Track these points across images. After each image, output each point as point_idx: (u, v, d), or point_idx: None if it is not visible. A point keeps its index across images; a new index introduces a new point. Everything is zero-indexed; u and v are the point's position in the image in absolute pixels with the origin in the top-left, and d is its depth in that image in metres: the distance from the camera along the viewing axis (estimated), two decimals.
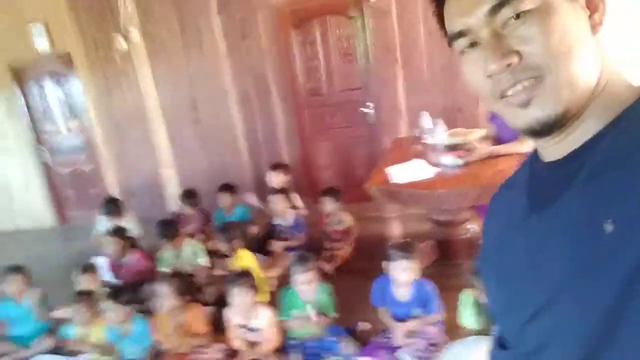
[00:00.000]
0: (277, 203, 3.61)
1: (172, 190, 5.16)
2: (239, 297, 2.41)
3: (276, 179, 4.08)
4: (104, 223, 4.07)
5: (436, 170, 2.88)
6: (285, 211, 3.65)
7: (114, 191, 5.23)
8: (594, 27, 0.57)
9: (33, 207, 5.75)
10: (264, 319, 2.47)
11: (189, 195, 4.23)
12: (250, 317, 2.48)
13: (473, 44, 0.58)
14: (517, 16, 0.54)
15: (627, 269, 0.47)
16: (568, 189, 0.56)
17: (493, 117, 3.18)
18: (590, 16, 0.56)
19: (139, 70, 4.89)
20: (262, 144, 4.80)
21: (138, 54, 4.82)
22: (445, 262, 3.04)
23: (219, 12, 4.53)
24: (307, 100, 4.63)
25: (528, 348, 0.61)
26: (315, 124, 4.68)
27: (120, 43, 4.63)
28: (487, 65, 0.56)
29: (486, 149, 2.87)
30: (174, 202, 5.13)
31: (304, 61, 4.52)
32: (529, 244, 0.61)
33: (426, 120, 3.57)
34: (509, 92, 0.56)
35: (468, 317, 2.17)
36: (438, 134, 3.34)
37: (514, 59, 0.54)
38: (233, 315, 2.51)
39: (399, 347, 2.32)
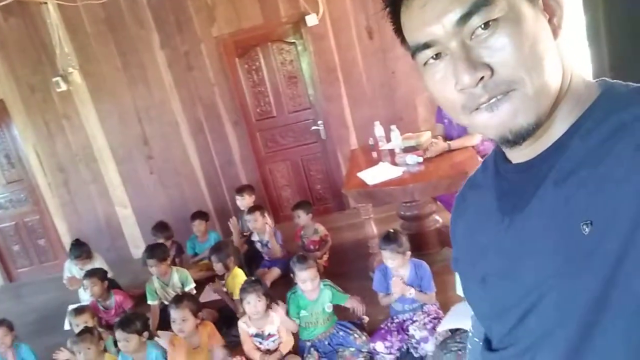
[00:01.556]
0: (257, 220, 3.76)
1: (130, 230, 5.08)
2: (254, 303, 2.54)
3: (243, 201, 4.23)
4: (72, 269, 3.95)
5: (402, 169, 3.23)
6: (264, 227, 3.81)
7: (65, 239, 5.03)
8: (555, 32, 0.56)
9: None
10: (277, 323, 2.62)
11: (162, 228, 4.22)
12: (264, 325, 2.62)
13: (438, 55, 0.57)
14: (486, 25, 0.52)
15: (607, 268, 0.49)
16: (540, 191, 0.56)
17: (439, 117, 3.62)
18: (549, 20, 0.56)
19: (82, 110, 4.81)
20: (220, 171, 4.91)
21: (80, 94, 4.76)
22: (419, 252, 3.37)
23: (162, 47, 4.63)
24: (258, 123, 4.84)
25: (518, 348, 0.61)
26: (269, 146, 4.90)
27: (60, 85, 4.54)
28: (458, 78, 0.54)
29: (442, 144, 3.27)
30: (133, 243, 5.06)
31: (252, 87, 4.74)
32: (505, 247, 0.61)
33: (379, 129, 3.96)
34: (483, 107, 0.55)
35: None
36: (394, 139, 3.72)
37: (487, 72, 0.53)
38: (247, 327, 2.64)
39: (407, 326, 2.58)
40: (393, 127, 3.71)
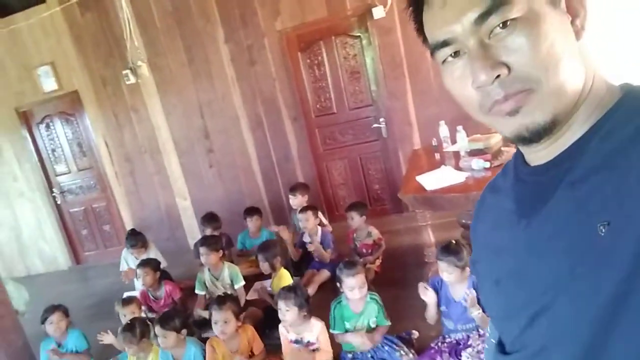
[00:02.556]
0: (305, 221, 3.63)
1: (188, 221, 5.16)
2: (283, 311, 2.41)
3: (295, 200, 4.12)
4: (128, 258, 4.05)
5: (466, 174, 2.94)
6: (315, 228, 3.68)
7: (129, 226, 5.20)
8: (577, 33, 0.56)
9: (46, 250, 5.69)
10: (316, 332, 2.47)
11: (212, 219, 4.23)
12: (303, 331, 2.48)
13: (456, 53, 0.57)
14: (504, 24, 0.53)
15: (623, 270, 0.48)
16: (557, 193, 0.56)
17: None
18: (572, 22, 0.56)
19: (149, 103, 4.94)
20: (277, 167, 4.85)
21: (147, 87, 4.89)
22: None
23: (226, 41, 4.63)
24: (318, 120, 4.71)
25: (529, 351, 0.61)
26: (328, 143, 4.75)
27: (129, 78, 4.69)
28: (475, 76, 0.54)
29: (513, 150, 2.94)
30: (191, 234, 5.14)
31: (313, 82, 4.62)
32: (521, 249, 0.61)
33: (444, 129, 3.68)
34: (503, 111, 0.55)
35: None
36: (460, 140, 3.43)
37: (503, 71, 0.53)
38: (286, 332, 2.51)
39: (460, 349, 2.33)
40: (459, 127, 3.43)
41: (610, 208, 0.50)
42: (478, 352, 2.26)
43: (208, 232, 4.11)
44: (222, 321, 2.50)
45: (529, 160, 0.63)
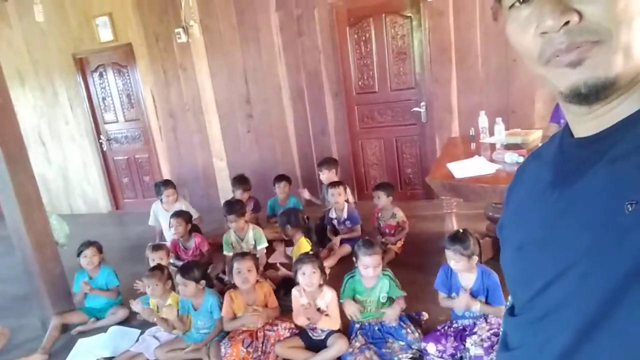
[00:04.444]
0: (337, 195, 3.70)
1: (223, 182, 5.33)
2: (308, 274, 2.51)
3: (322, 175, 4.19)
4: (158, 211, 4.25)
5: (497, 166, 2.93)
6: (342, 204, 3.75)
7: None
8: None
9: (89, 192, 6.03)
10: (328, 299, 2.57)
11: (242, 181, 4.37)
12: (316, 297, 2.58)
13: None
14: None
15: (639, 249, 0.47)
16: (594, 167, 0.55)
17: (555, 116, 3.21)
18: None
19: (197, 63, 5.08)
20: (312, 140, 4.92)
21: (197, 47, 5.01)
22: (498, 260, 3.07)
23: (277, 9, 4.67)
24: (358, 97, 4.73)
25: (533, 315, 0.62)
26: (366, 121, 4.77)
27: (181, 36, 4.83)
28: (542, 21, 0.52)
29: None
30: (224, 195, 5.31)
31: (358, 58, 4.62)
32: (547, 218, 0.61)
33: (483, 119, 3.63)
34: (564, 58, 0.53)
35: None
36: (497, 132, 3.39)
37: (574, 18, 0.50)
38: (299, 296, 2.62)
39: (465, 335, 2.38)
40: (498, 119, 3.38)
41: None
42: (482, 339, 2.30)
43: (238, 193, 4.24)
44: (245, 270, 2.63)
45: (576, 132, 0.62)
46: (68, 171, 6.03)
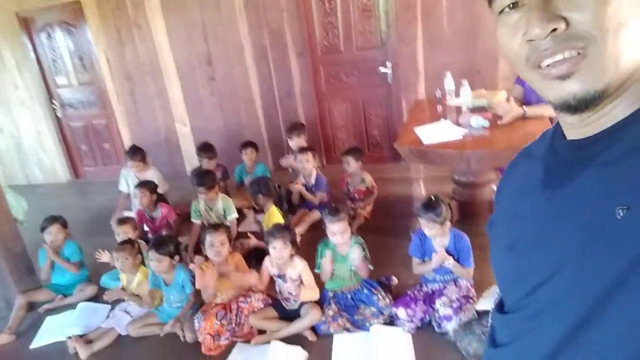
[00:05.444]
0: (306, 162, 3.67)
1: (187, 148, 5.19)
2: (279, 249, 2.52)
3: (291, 142, 4.14)
4: (128, 177, 4.11)
5: (464, 131, 2.95)
6: (311, 170, 3.73)
7: (129, 146, 5.23)
8: None
9: (45, 160, 5.76)
10: (298, 269, 2.59)
11: (207, 149, 4.26)
12: (286, 268, 2.60)
13: (515, 5, 0.55)
14: None
15: (631, 255, 0.48)
16: (586, 170, 0.55)
17: (520, 79, 3.23)
18: None
19: (152, 21, 4.80)
20: (278, 102, 4.81)
21: (151, 4, 4.72)
22: (466, 222, 3.15)
23: None
24: (323, 57, 4.61)
25: (524, 313, 0.63)
26: (332, 83, 4.69)
27: None
28: (529, 28, 0.53)
29: (518, 110, 2.93)
30: (189, 161, 5.19)
31: (322, 16, 4.47)
32: (540, 218, 0.61)
33: (449, 81, 3.61)
34: (547, 62, 0.53)
35: None
36: (463, 95, 3.39)
37: (560, 25, 0.51)
38: (270, 266, 2.64)
39: (434, 298, 2.47)
40: (464, 81, 3.37)
41: (632, 194, 0.50)
42: (451, 301, 2.39)
43: (205, 162, 4.15)
44: (218, 243, 2.61)
45: (568, 134, 0.62)
46: (21, 139, 5.72)
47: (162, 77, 4.99)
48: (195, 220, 3.53)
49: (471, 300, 2.42)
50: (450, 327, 2.31)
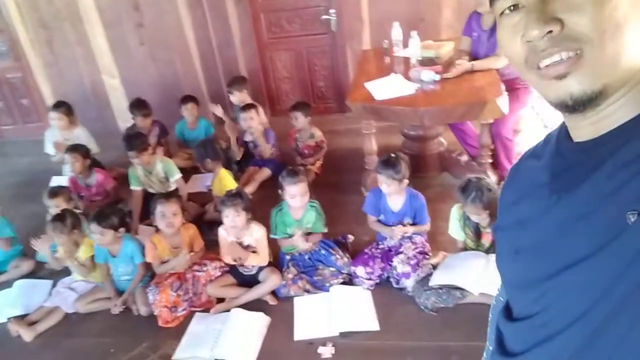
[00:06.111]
0: (250, 120, 3.51)
1: (118, 102, 4.79)
2: (232, 218, 2.43)
3: (234, 97, 3.94)
4: (55, 135, 3.75)
5: (415, 86, 2.92)
6: (257, 127, 3.58)
7: (50, 102, 4.74)
8: None
9: None
10: (256, 236, 2.53)
11: (140, 105, 3.96)
12: (243, 235, 2.53)
13: (515, 7, 0.56)
14: None
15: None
16: (595, 174, 0.54)
17: (468, 29, 3.21)
18: None
19: None
20: (217, 52, 4.50)
21: None
22: (417, 175, 3.20)
23: None
24: (264, 3, 4.33)
25: (535, 323, 0.63)
26: (273, 31, 4.44)
27: None
28: (527, 30, 0.53)
29: (466, 64, 2.93)
30: (121, 117, 4.82)
31: None
32: (547, 224, 0.61)
33: (397, 31, 3.53)
34: (545, 63, 0.53)
35: (455, 230, 2.38)
36: (412, 47, 3.33)
37: (556, 27, 0.51)
38: (226, 234, 2.55)
39: (391, 255, 2.52)
40: (413, 33, 3.30)
41: None
42: (409, 257, 2.46)
43: (139, 120, 3.87)
44: (170, 213, 2.48)
45: (573, 136, 0.61)
46: None
47: (83, 23, 4.48)
48: (135, 188, 3.29)
49: (427, 256, 2.49)
50: (408, 283, 2.38)
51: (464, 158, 3.34)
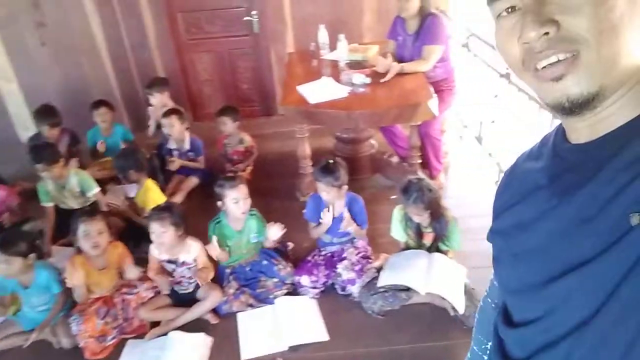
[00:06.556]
0: (171, 127, 3.28)
1: (17, 109, 4.28)
2: (158, 234, 2.23)
3: (154, 99, 3.70)
4: None
5: (348, 89, 2.92)
6: (182, 134, 3.37)
7: None
8: None
9: None
10: (194, 253, 2.36)
11: (48, 113, 3.54)
12: (178, 252, 2.35)
13: (512, 9, 0.55)
14: None
15: None
16: (595, 177, 0.54)
17: (393, 33, 3.27)
18: None
19: None
20: (130, 54, 4.19)
21: None
22: (350, 177, 3.18)
23: None
24: (181, 3, 4.11)
25: (538, 328, 0.62)
26: (193, 32, 4.22)
27: None
28: (524, 31, 0.53)
29: (396, 66, 2.96)
30: (21, 125, 4.32)
31: None
32: (547, 227, 0.60)
33: (323, 34, 3.52)
34: (542, 64, 0.53)
35: (397, 231, 2.40)
36: (340, 50, 3.33)
37: (552, 29, 0.51)
38: (159, 253, 2.35)
39: (334, 261, 2.47)
40: (341, 36, 3.31)
41: None
42: (352, 263, 2.43)
43: (45, 130, 3.46)
44: (95, 232, 2.23)
45: (570, 137, 0.61)
46: None
47: None
48: (46, 204, 2.95)
49: (370, 260, 2.49)
50: (354, 289, 2.35)
51: (395, 159, 3.41)
